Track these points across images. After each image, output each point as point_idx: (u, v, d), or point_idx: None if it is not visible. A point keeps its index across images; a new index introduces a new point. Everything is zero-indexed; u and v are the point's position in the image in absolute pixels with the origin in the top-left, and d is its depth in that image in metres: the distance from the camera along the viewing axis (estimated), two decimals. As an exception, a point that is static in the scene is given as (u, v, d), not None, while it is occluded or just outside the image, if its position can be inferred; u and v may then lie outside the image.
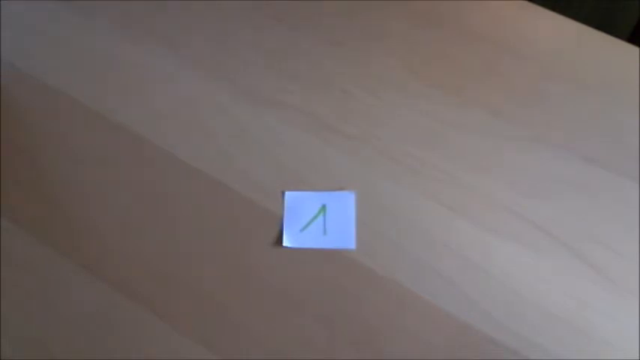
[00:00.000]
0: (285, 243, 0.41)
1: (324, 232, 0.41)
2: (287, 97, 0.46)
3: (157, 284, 0.40)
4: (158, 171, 0.44)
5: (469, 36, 0.48)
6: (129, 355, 0.38)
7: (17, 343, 0.39)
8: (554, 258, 0.40)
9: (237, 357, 0.38)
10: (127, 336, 0.39)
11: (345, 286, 0.40)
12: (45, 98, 0.47)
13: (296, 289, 0.40)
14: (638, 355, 0.37)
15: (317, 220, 0.41)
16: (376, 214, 0.42)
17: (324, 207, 0.42)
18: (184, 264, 0.41)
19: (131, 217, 0.42)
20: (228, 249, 0.41)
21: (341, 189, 0.42)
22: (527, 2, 0.50)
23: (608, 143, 0.43)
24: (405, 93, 0.46)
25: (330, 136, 0.44)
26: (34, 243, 0.42)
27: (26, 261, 0.41)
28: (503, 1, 0.50)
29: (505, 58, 0.47)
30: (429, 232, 0.41)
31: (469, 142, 0.44)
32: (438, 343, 0.38)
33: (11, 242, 0.42)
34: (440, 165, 0.43)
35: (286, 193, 0.42)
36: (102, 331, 0.39)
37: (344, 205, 0.42)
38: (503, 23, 0.49)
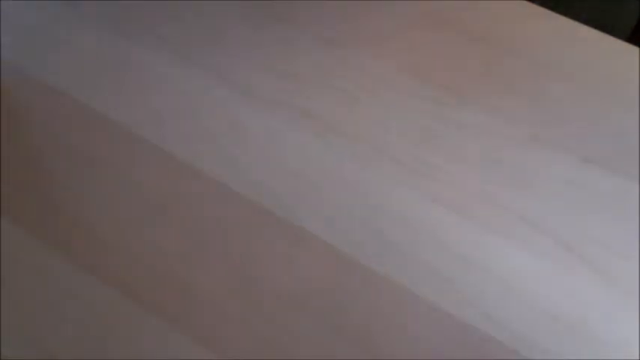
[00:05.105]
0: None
1: (324, 232, 0.41)
2: (287, 97, 0.46)
3: (157, 284, 0.40)
4: (158, 171, 0.44)
5: (469, 36, 0.48)
6: (129, 356, 0.38)
7: (17, 343, 0.39)
8: (554, 258, 0.40)
9: (237, 357, 0.38)
10: (127, 336, 0.39)
11: (345, 286, 0.40)
12: (45, 98, 0.47)
13: (296, 289, 0.40)
14: (638, 355, 0.37)
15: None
16: (376, 213, 0.42)
17: (324, 207, 0.42)
18: (184, 264, 0.41)
19: (131, 217, 0.42)
20: (228, 249, 0.41)
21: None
22: (527, 2, 0.50)
23: (608, 143, 0.43)
24: (405, 93, 0.46)
25: (330, 136, 0.44)
26: (34, 243, 0.42)
27: (26, 261, 0.41)
28: (503, 1, 0.50)
29: (505, 58, 0.47)
30: (429, 231, 0.41)
31: (469, 142, 0.44)
32: (438, 343, 0.38)
33: (11, 242, 0.42)
34: (440, 165, 0.43)
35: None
36: (102, 331, 0.39)
37: (344, 205, 0.42)
38: (503, 23, 0.49)
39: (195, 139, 0.45)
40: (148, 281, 0.40)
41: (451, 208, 0.42)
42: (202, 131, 0.45)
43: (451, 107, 0.45)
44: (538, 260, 0.40)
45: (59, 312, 0.40)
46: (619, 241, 0.40)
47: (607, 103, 0.45)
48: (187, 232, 0.42)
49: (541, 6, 0.50)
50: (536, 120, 0.44)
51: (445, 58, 0.47)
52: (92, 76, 0.48)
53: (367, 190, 0.42)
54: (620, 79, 0.46)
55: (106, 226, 0.42)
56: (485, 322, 0.38)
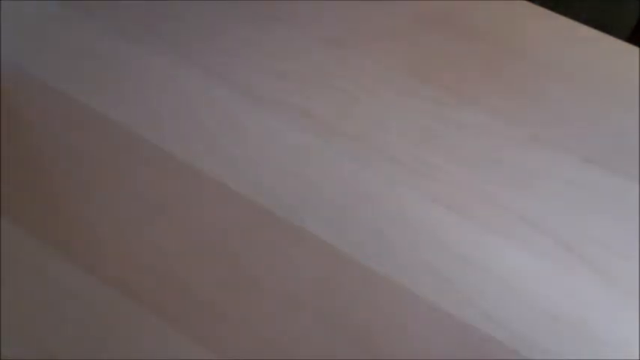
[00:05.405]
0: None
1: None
2: (287, 97, 0.46)
3: (157, 284, 0.40)
4: (158, 171, 0.44)
5: (469, 36, 0.48)
6: (129, 356, 0.38)
7: (17, 343, 0.39)
8: (554, 258, 0.40)
9: (237, 357, 0.38)
10: (127, 336, 0.39)
11: (345, 286, 0.40)
12: (45, 98, 0.47)
13: (296, 289, 0.40)
14: (638, 355, 0.37)
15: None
16: (375, 213, 0.42)
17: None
18: (184, 264, 0.41)
19: (131, 217, 0.42)
20: (228, 249, 0.41)
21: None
22: (527, 2, 0.50)
23: (608, 143, 0.43)
24: (405, 93, 0.46)
25: (330, 136, 0.44)
26: (34, 243, 0.42)
27: (26, 261, 0.41)
28: (504, 1, 0.50)
29: (505, 58, 0.47)
30: (429, 231, 0.41)
31: (469, 142, 0.44)
32: (438, 343, 0.38)
33: (11, 242, 0.42)
34: (440, 165, 0.43)
35: (286, 193, 0.42)
36: (102, 331, 0.39)
37: (344, 205, 0.42)
38: (503, 23, 0.49)
39: (195, 139, 0.45)
40: (148, 281, 0.40)
41: (451, 208, 0.42)
42: (202, 131, 0.45)
43: (451, 107, 0.45)
44: (538, 260, 0.40)
45: (59, 312, 0.40)
46: (619, 241, 0.40)
47: (607, 103, 0.45)
48: (187, 232, 0.42)
49: (541, 6, 0.50)
50: (536, 120, 0.44)
51: (445, 58, 0.47)
52: (92, 76, 0.48)
53: (367, 190, 0.42)
54: (620, 79, 0.46)
55: (106, 226, 0.42)
56: (485, 322, 0.38)
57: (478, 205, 0.42)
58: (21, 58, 0.49)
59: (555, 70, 0.46)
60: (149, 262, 0.41)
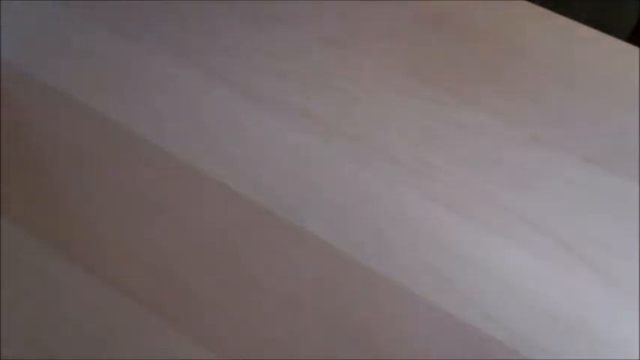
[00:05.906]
0: (285, 243, 0.41)
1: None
2: (287, 97, 0.46)
3: (157, 284, 0.40)
4: (158, 171, 0.44)
5: (469, 36, 0.48)
6: (129, 356, 0.38)
7: (17, 343, 0.39)
8: (554, 258, 0.40)
9: (237, 357, 0.38)
10: (127, 336, 0.39)
11: (345, 286, 0.40)
12: (45, 98, 0.47)
13: (296, 289, 0.40)
14: (638, 355, 0.37)
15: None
16: (375, 213, 0.42)
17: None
18: (184, 264, 0.41)
19: (131, 217, 0.42)
20: (228, 249, 0.41)
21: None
22: (527, 2, 0.50)
23: (608, 143, 0.43)
24: (405, 93, 0.46)
25: (330, 136, 0.44)
26: (34, 243, 0.42)
27: (26, 261, 0.41)
28: (504, 1, 0.50)
29: (505, 58, 0.47)
30: (429, 231, 0.41)
31: (469, 142, 0.44)
32: (438, 343, 0.38)
33: (11, 242, 0.42)
34: (440, 165, 0.43)
35: (286, 193, 0.42)
36: (102, 331, 0.39)
37: (344, 205, 0.42)
38: (503, 23, 0.49)
39: (195, 139, 0.45)
40: (148, 281, 0.40)
41: (451, 208, 0.42)
42: (202, 131, 0.45)
43: (451, 107, 0.45)
44: (538, 260, 0.40)
45: (59, 312, 0.40)
46: (619, 241, 0.40)
47: (607, 103, 0.45)
48: (187, 232, 0.42)
49: (541, 6, 0.50)
50: (536, 120, 0.44)
51: (445, 58, 0.47)
52: (92, 76, 0.48)
53: (367, 190, 0.42)
54: (620, 79, 0.46)
55: (106, 226, 0.42)
56: (485, 322, 0.38)
57: (478, 205, 0.42)
58: (21, 58, 0.49)
59: (555, 70, 0.46)
60: (149, 262, 0.41)
